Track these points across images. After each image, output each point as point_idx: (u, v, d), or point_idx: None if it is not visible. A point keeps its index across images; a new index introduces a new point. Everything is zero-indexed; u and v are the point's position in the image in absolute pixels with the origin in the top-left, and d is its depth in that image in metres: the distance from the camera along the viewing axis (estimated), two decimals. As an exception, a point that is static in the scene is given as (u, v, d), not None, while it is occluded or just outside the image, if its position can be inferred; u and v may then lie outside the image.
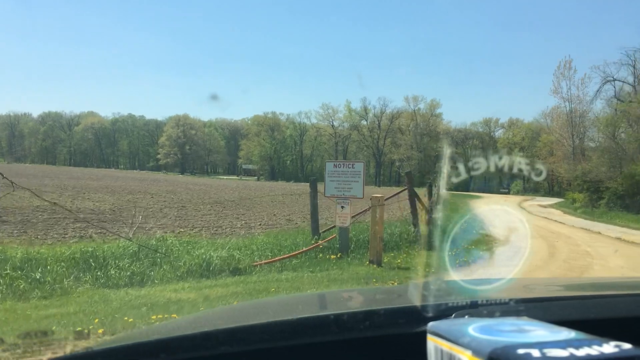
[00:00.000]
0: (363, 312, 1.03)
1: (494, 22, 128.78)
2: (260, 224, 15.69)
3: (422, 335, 0.83)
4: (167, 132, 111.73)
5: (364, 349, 0.96)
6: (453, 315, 0.92)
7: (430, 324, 0.83)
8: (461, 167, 1.22)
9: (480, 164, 1.20)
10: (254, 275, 7.25)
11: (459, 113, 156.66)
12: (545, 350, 0.63)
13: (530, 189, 75.14)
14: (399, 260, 8.66)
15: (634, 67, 31.94)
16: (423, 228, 10.80)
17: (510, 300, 1.02)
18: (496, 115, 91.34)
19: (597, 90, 35.03)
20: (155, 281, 6.67)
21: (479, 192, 71.07)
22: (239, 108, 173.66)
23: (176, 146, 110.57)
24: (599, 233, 18.08)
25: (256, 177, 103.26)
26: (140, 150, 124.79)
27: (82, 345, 1.04)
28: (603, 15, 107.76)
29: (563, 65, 45.96)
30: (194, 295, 5.90)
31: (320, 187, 9.30)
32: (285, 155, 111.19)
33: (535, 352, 0.63)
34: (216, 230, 13.54)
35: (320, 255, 8.46)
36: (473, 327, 0.76)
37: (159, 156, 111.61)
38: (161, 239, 8.42)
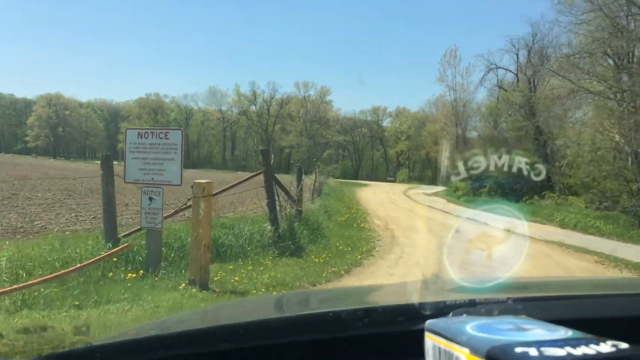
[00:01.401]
0: (362, 309, 1.00)
1: (381, 12, 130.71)
2: (94, 218, 12.13)
3: (420, 333, 0.82)
4: (36, 112, 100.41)
5: (363, 346, 0.96)
6: (451, 313, 0.90)
7: (429, 322, 0.82)
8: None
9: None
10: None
11: (349, 101, 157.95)
12: (543, 349, 0.63)
13: (415, 177, 76.68)
14: (237, 278, 5.82)
15: (517, 56, 32.05)
16: (285, 225, 8.11)
17: (509, 299, 0.99)
18: (385, 104, 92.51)
19: (481, 78, 34.88)
20: None
21: (366, 180, 71.28)
22: (121, 89, 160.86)
23: (47, 127, 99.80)
24: (486, 224, 16.77)
25: None
26: (6, 131, 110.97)
27: (81, 341, 1.02)
28: (490, 5, 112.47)
29: (449, 53, 46.21)
30: None
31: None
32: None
33: (533, 351, 0.63)
34: (25, 228, 9.90)
35: (111, 273, 5.38)
36: (471, 326, 0.76)
37: (27, 138, 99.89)
38: None
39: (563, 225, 17.47)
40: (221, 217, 9.23)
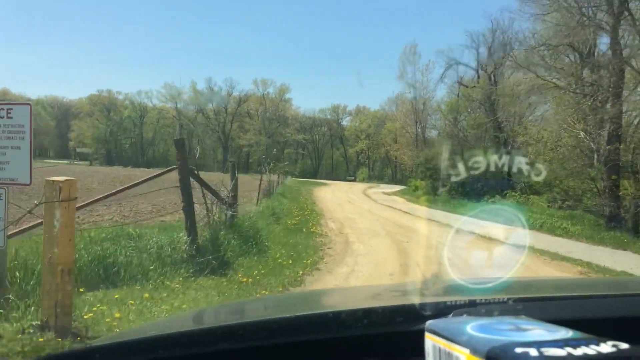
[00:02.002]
0: (361, 310, 0.99)
1: (341, 9, 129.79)
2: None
3: (421, 334, 0.82)
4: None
5: (362, 346, 0.96)
6: (451, 313, 0.91)
7: (429, 323, 0.82)
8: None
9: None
10: None
11: (309, 99, 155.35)
12: (543, 349, 0.64)
13: (375, 176, 75.94)
14: (118, 314, 4.16)
15: (477, 52, 31.25)
16: (207, 235, 6.47)
17: (509, 299, 0.99)
18: (345, 102, 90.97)
19: (442, 75, 33.95)
20: None
21: (326, 179, 69.94)
22: (74, 86, 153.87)
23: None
24: (449, 225, 15.58)
25: (89, 162, 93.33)
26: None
27: (80, 342, 1.14)
28: (451, 1, 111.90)
29: (409, 50, 45.33)
30: None
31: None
32: (124, 138, 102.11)
33: (533, 351, 0.63)
34: None
35: None
36: (471, 326, 0.76)
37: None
38: None
39: (529, 226, 16.48)
40: (128, 224, 7.49)
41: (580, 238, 14.02)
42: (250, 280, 5.78)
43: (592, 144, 18.44)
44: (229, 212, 7.67)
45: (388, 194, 37.91)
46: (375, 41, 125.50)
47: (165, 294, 4.86)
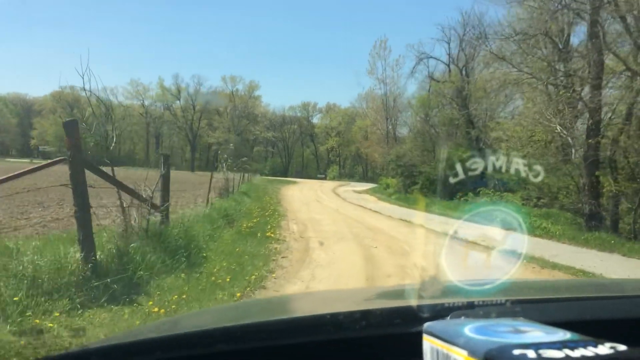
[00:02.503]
0: (359, 311, 0.98)
1: (311, 4, 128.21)
2: None
3: (419, 336, 0.82)
4: None
5: (360, 348, 0.96)
6: (449, 315, 0.90)
7: (427, 325, 0.82)
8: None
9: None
10: None
11: (278, 97, 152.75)
12: (541, 351, 0.63)
13: (346, 174, 74.86)
14: None
15: (449, 45, 30.20)
16: (114, 249, 4.96)
17: (507, 301, 1.00)
18: (315, 100, 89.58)
19: (412, 69, 32.70)
20: None
21: (297, 177, 68.43)
22: (39, 83, 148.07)
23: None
24: (422, 226, 14.37)
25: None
26: None
27: (78, 344, 1.08)
28: None
29: (379, 45, 44.28)
30: None
31: None
32: (88, 136, 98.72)
33: (531, 353, 0.63)
34: None
35: None
36: (469, 328, 0.76)
37: None
38: None
39: (506, 225, 15.43)
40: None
41: (562, 239, 13.01)
42: (163, 310, 4.32)
43: (569, 139, 17.52)
44: (153, 217, 6.16)
45: (359, 192, 36.72)
46: (346, 38, 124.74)
47: (22, 341, 3.36)
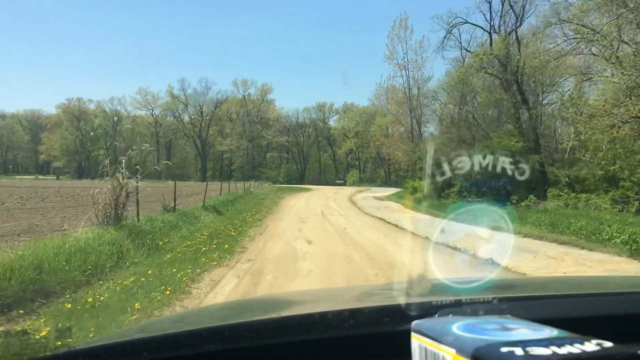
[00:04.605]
0: (348, 310, 0.99)
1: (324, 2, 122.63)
2: None
3: (407, 334, 0.81)
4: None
5: (349, 347, 0.94)
6: (437, 314, 0.90)
7: (415, 323, 0.81)
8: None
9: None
10: None
11: (292, 99, 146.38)
12: (528, 349, 0.63)
13: (367, 178, 68.44)
14: None
15: (490, 5, 23.48)
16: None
17: (494, 299, 0.99)
18: (331, 100, 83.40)
19: (442, 40, 25.92)
20: None
21: (312, 184, 62.39)
22: (53, 99, 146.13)
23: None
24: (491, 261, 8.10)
25: (55, 176, 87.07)
26: None
27: (63, 345, 1.01)
28: None
29: (398, 24, 37.97)
30: None
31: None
32: (96, 149, 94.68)
33: (519, 350, 0.63)
34: None
35: None
36: (457, 326, 0.75)
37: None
38: None
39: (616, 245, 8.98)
40: None
41: None
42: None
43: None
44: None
45: (380, 198, 30.37)
46: (362, 35, 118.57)
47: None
